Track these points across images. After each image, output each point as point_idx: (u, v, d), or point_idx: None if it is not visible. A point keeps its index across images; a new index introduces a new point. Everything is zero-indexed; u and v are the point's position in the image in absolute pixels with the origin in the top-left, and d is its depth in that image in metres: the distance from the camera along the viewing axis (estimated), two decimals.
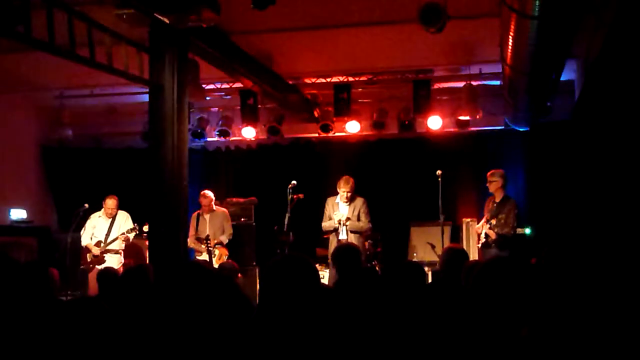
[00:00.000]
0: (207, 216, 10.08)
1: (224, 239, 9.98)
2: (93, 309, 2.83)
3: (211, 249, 9.46)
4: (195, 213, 10.02)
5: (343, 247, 6.35)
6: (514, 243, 8.65)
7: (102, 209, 9.68)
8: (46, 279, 4.62)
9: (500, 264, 2.87)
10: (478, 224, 9.19)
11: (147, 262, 9.63)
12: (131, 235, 9.60)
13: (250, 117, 10.85)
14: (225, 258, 9.64)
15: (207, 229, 9.88)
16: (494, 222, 8.59)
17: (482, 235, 8.77)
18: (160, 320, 3.07)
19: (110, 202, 9.64)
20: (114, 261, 9.43)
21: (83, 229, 9.57)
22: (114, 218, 9.66)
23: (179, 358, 2.85)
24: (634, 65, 5.77)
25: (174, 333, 2.91)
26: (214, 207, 10.16)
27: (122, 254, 9.68)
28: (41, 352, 2.71)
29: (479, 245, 8.86)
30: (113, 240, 9.52)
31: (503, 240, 8.52)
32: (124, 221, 9.71)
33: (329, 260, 8.83)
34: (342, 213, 8.93)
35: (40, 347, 2.73)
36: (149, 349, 2.90)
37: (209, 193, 10.14)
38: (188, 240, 9.17)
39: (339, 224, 8.81)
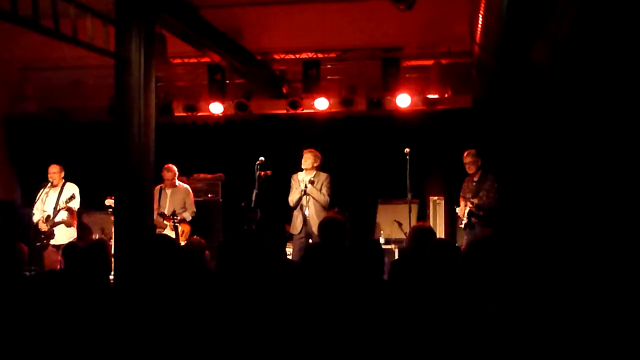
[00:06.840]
0: (168, 191, 9.78)
1: (187, 216, 9.68)
2: (58, 283, 2.80)
3: (177, 224, 9.31)
4: (158, 187, 9.62)
5: (330, 219, 6.17)
6: (499, 217, 8.64)
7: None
8: (13, 253, 4.55)
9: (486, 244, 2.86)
10: (457, 206, 9.04)
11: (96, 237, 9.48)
12: (74, 205, 9.06)
13: (217, 92, 10.77)
14: (187, 235, 9.49)
15: (167, 204, 9.62)
16: (476, 201, 8.56)
17: (465, 216, 8.65)
18: (127, 294, 3.05)
19: (52, 168, 9.18)
20: (62, 237, 8.92)
21: (34, 204, 9.12)
22: (61, 190, 9.16)
23: (143, 332, 2.83)
24: (602, 45, 5.81)
25: (140, 307, 2.89)
26: (177, 183, 9.89)
27: (75, 228, 9.15)
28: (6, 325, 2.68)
29: (462, 226, 8.78)
30: (58, 212, 9.01)
31: (492, 213, 8.49)
32: (70, 194, 9.17)
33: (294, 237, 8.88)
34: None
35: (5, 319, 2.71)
36: (114, 322, 2.88)
37: (173, 167, 9.86)
38: None
39: (305, 187, 8.77)
